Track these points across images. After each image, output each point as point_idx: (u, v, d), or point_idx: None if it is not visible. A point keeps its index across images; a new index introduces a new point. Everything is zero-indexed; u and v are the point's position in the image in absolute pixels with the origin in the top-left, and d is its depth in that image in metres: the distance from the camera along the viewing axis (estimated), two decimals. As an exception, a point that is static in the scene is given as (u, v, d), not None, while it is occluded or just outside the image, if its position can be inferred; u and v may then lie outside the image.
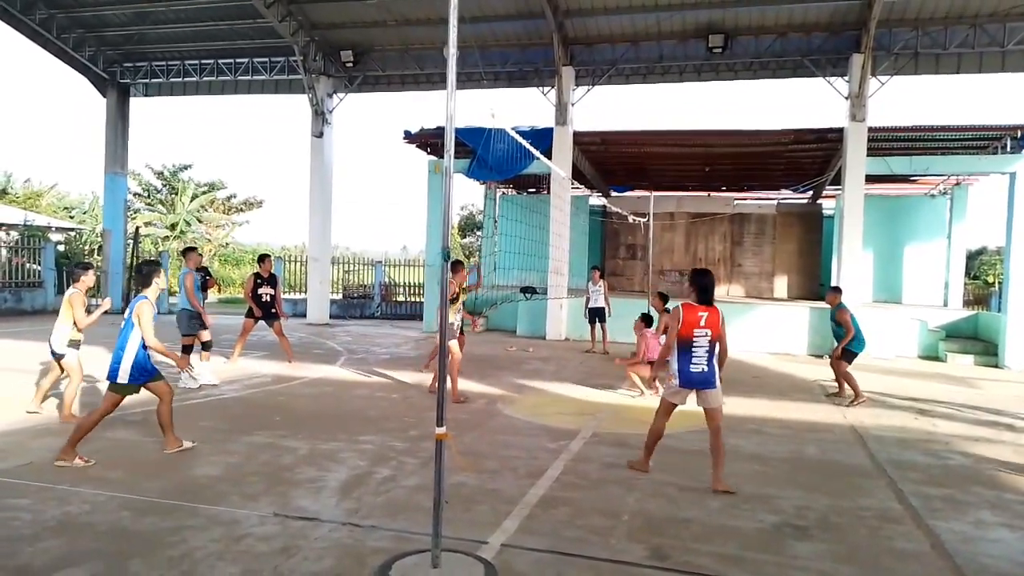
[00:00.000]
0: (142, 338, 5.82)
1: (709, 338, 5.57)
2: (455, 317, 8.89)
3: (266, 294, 10.98)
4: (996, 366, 14.20)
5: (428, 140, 18.03)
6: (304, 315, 19.57)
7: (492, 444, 6.76)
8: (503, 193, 23.92)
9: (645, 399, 9.22)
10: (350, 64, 18.23)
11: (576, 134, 16.70)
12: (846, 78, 15.04)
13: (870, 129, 14.80)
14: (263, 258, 11.42)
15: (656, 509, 5.09)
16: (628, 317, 14.91)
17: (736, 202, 22.15)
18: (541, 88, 17.12)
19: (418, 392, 9.41)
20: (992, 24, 14.42)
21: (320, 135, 18.79)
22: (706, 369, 5.58)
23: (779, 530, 4.76)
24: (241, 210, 40.07)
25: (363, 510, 4.86)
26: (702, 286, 5.70)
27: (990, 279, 33.52)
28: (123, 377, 5.80)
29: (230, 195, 39.61)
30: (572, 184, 16.84)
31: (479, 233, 36.08)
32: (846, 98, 14.94)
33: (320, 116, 18.70)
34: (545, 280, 16.46)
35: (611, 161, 19.58)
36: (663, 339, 8.59)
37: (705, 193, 22.81)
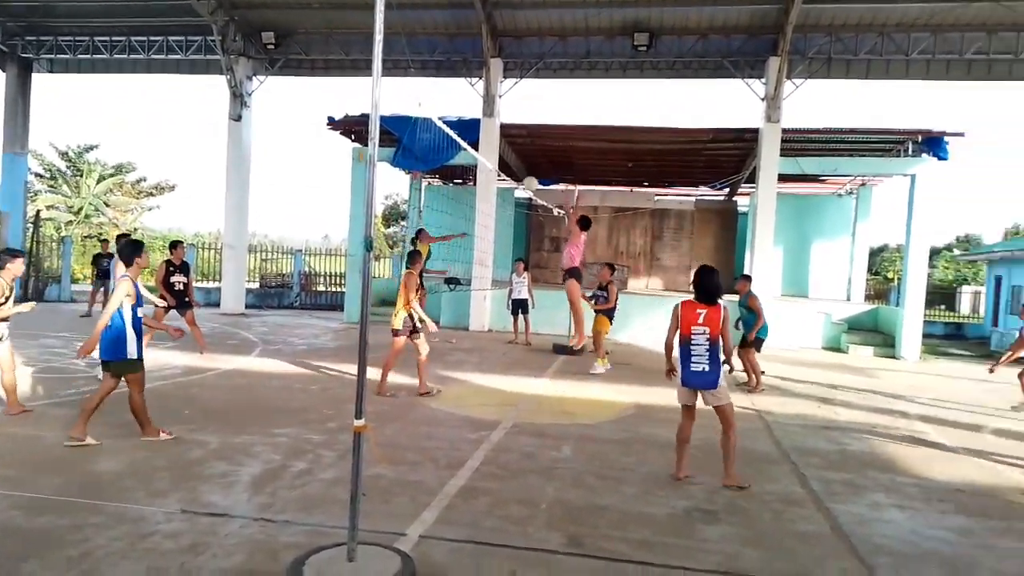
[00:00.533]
0: (133, 311, 5.99)
1: (708, 336, 5.44)
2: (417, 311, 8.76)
3: (179, 282, 10.54)
4: (893, 357, 15.09)
5: (352, 127, 17.69)
6: (218, 304, 18.90)
7: (413, 436, 6.72)
8: (428, 183, 23.73)
9: (571, 389, 9.36)
10: (271, 46, 17.63)
11: (503, 126, 16.71)
12: (763, 80, 15.60)
13: (784, 130, 15.41)
14: (175, 245, 10.96)
15: (574, 498, 5.17)
16: (551, 309, 15.15)
17: (657, 198, 22.69)
18: (469, 79, 17.05)
19: (338, 383, 9.26)
20: (898, 33, 15.22)
21: (238, 118, 18.14)
22: (707, 368, 5.44)
23: (689, 515, 4.93)
24: (151, 194, 38.32)
25: (277, 505, 4.75)
26: (701, 284, 5.57)
27: (890, 275, 35.62)
28: (132, 352, 6.00)
29: (139, 178, 37.83)
30: (498, 176, 16.87)
31: (404, 223, 35.70)
32: (762, 99, 15.49)
33: (238, 99, 18.05)
34: (469, 271, 16.44)
35: (537, 154, 19.70)
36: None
37: (628, 188, 23.25)
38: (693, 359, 5.46)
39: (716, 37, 15.92)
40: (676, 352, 5.65)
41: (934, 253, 37.95)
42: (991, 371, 9.63)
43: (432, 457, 6.01)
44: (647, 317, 16.19)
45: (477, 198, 16.50)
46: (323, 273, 23.93)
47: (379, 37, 3.64)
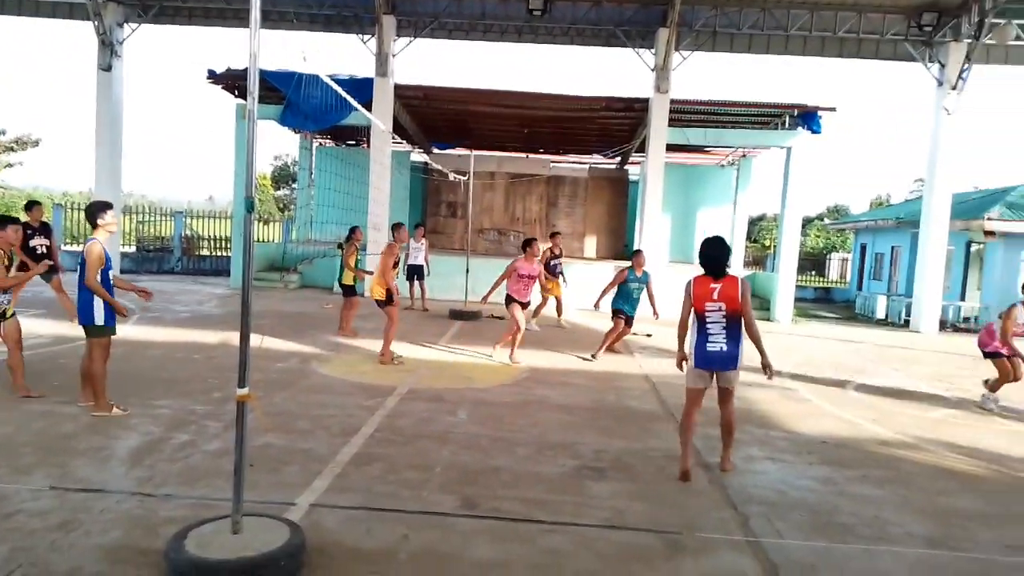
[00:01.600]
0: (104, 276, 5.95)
1: (724, 312, 4.94)
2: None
3: (40, 246, 9.73)
4: (768, 319, 16.07)
5: (235, 82, 16.71)
6: (91, 269, 17.60)
7: (304, 404, 6.56)
8: (320, 144, 22.94)
9: (467, 356, 9.40)
10: (144, -10, 16.35)
11: (398, 87, 16.31)
12: (653, 51, 15.95)
13: (672, 101, 15.87)
14: (31, 206, 10.08)
15: (469, 460, 5.23)
16: (448, 275, 15.11)
17: (552, 165, 22.92)
18: (361, 36, 16.48)
19: (224, 352, 8.88)
20: (779, 10, 15.91)
21: (108, 68, 16.77)
22: (725, 348, 4.97)
23: (579, 473, 5.09)
24: (12, 149, 34.96)
25: (157, 478, 4.54)
26: (707, 256, 5.08)
27: (767, 243, 37.75)
28: (99, 319, 5.92)
29: (-3, 131, 34.41)
30: (393, 138, 16.50)
31: (294, 185, 34.39)
32: (652, 70, 15.86)
33: (108, 47, 16.66)
34: (364, 236, 16.07)
35: (433, 117, 19.39)
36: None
37: (524, 155, 23.35)
38: (710, 338, 4.96)
39: (609, 5, 16.10)
40: (689, 339, 5.19)
41: (807, 222, 40.48)
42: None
43: (324, 425, 5.89)
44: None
45: (371, 160, 16.09)
46: (207, 236, 22.77)
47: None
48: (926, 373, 10.49)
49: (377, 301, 8.92)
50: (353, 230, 11.39)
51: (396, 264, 8.96)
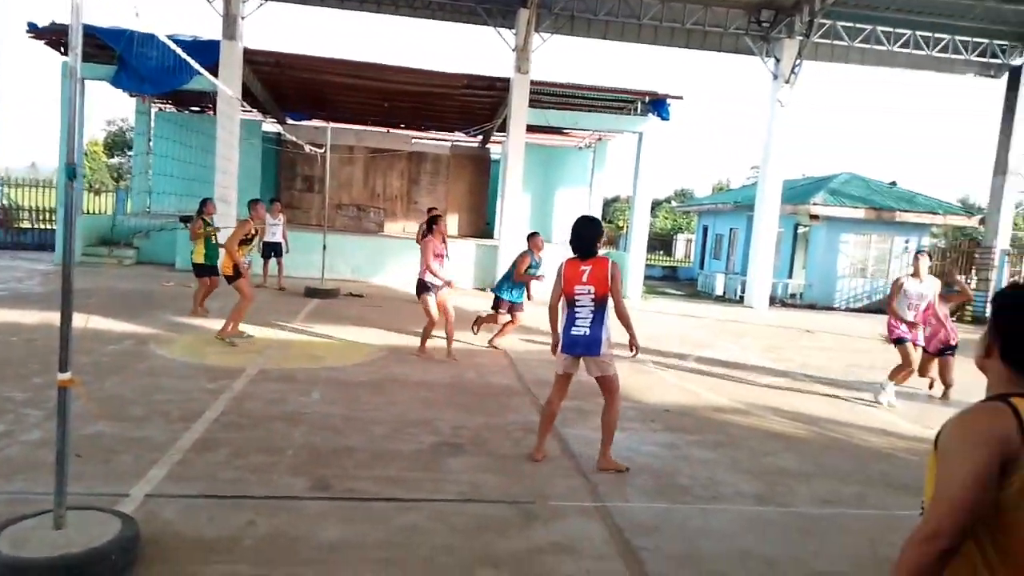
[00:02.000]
0: None
1: (593, 296, 4.76)
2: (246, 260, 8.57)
3: None
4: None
5: (61, 37, 15.07)
6: None
7: (140, 388, 6.10)
8: (160, 109, 21.24)
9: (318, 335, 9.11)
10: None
11: (247, 51, 15.37)
12: (514, 31, 16.05)
13: (532, 82, 16.07)
14: None
15: (321, 441, 5.09)
16: (305, 252, 14.57)
17: (414, 141, 22.60)
18: (205, -6, 15.34)
19: (47, 334, 8.06)
20: (632, -1, 16.52)
21: (-102, 11, 14.59)
22: (588, 332, 4.76)
23: (437, 449, 5.10)
24: None
25: (-36, 474, 4.06)
26: (577, 235, 4.90)
27: (620, 224, 39.42)
28: None
29: None
30: (242, 106, 15.57)
31: (131, 153, 31.72)
32: (513, 50, 15.97)
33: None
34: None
35: (287, 86, 18.46)
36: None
37: (385, 129, 22.83)
38: (576, 322, 4.79)
39: (471, -19, 16.01)
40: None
41: (656, 205, 42.64)
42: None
43: (163, 410, 5.51)
44: (403, 260, 16.25)
45: (218, 128, 15.11)
46: (29, 207, 20.52)
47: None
48: (757, 345, 11.41)
49: (226, 276, 8.51)
50: (204, 203, 10.45)
51: (248, 241, 8.50)
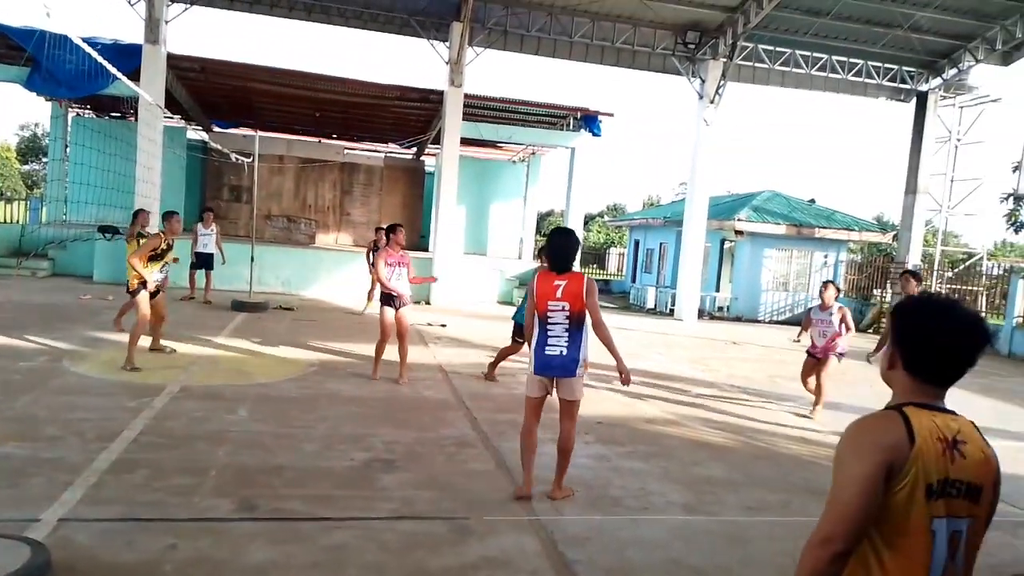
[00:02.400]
0: None
1: (568, 313, 4.47)
2: (158, 275, 7.90)
3: None
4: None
5: (-34, 36, 14.31)
6: None
7: (53, 407, 5.78)
8: (78, 114, 20.35)
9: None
10: None
11: (171, 57, 14.90)
12: (447, 44, 16.09)
13: (466, 95, 16.14)
14: None
15: (248, 460, 4.93)
16: (231, 264, 14.12)
17: (347, 151, 22.33)
18: (128, -2, 14.81)
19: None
20: (564, 16, 16.75)
21: None
22: (565, 352, 4.47)
23: (369, 466, 5.01)
24: None
25: None
26: (555, 247, 4.62)
27: (554, 237, 39.77)
28: None
29: None
30: (166, 113, 15.06)
31: (45, 159, 30.23)
32: (447, 63, 16.00)
33: None
34: (129, 218, 14.52)
35: (213, 92, 18.00)
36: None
37: (316, 139, 22.50)
38: (550, 341, 4.48)
39: (404, -8, 15.97)
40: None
41: (589, 219, 43.36)
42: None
43: (77, 430, 5.24)
44: (335, 273, 16.00)
45: (139, 135, 14.55)
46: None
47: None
48: (686, 356, 11.69)
49: (129, 291, 7.81)
50: (136, 214, 9.67)
51: (158, 256, 7.82)
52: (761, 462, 5.97)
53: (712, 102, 17.33)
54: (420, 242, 21.80)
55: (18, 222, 20.12)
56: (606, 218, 47.58)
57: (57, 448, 4.84)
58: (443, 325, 12.33)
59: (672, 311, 18.69)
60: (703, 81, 17.45)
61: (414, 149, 22.26)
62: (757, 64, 17.89)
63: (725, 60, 16.97)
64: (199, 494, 4.26)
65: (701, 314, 18.69)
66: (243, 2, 15.77)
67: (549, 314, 4.49)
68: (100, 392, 6.44)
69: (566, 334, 4.48)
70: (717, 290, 20.55)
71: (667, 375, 9.76)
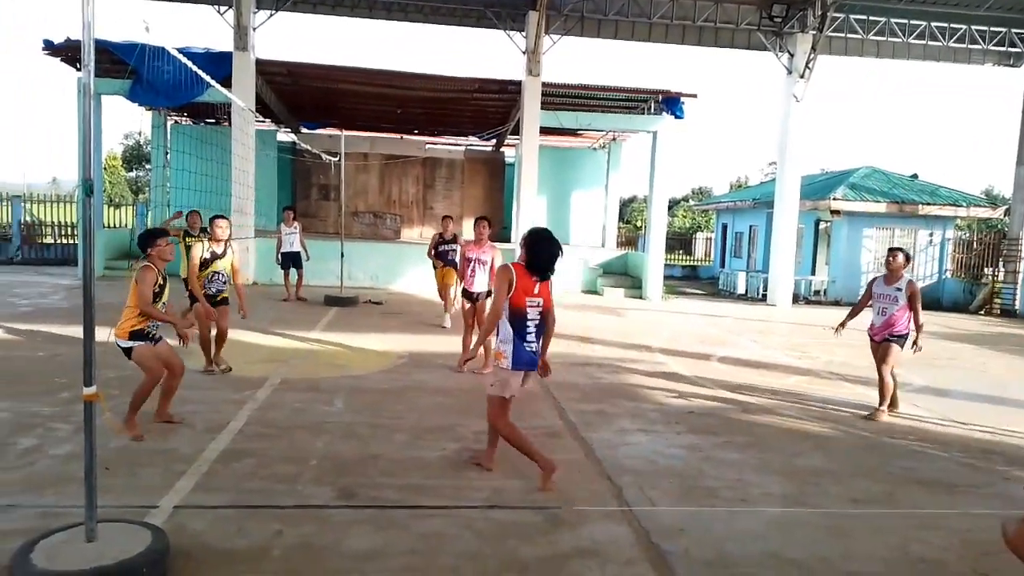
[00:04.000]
0: None
1: (540, 310, 4.51)
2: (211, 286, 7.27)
3: None
4: (640, 297, 16.75)
5: (76, 53, 15.30)
6: (-90, 261, 15.72)
7: (165, 400, 6.14)
8: (176, 122, 21.48)
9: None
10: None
11: (260, 62, 15.50)
12: (524, 34, 16.05)
13: (544, 84, 16.05)
14: None
15: (345, 450, 5.10)
16: (323, 260, 14.63)
17: (428, 146, 22.67)
18: (217, 7, 15.49)
19: (71, 348, 8.16)
20: (642, -3, 16.47)
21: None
22: (535, 349, 4.55)
23: (459, 455, 5.09)
24: None
25: (-5, 489, 4.11)
26: (544, 255, 4.48)
27: (638, 224, 39.28)
28: None
29: None
30: (256, 117, 15.69)
31: (148, 166, 32.08)
32: (524, 53, 15.97)
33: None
34: (203, 220, 15.19)
35: (300, 95, 18.60)
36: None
37: (398, 135, 22.93)
38: (528, 337, 4.48)
39: (480, -16, 16.02)
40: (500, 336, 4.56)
41: (673, 203, 42.51)
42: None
43: (188, 422, 5.55)
44: (421, 266, 16.26)
45: (233, 140, 15.22)
46: (51, 223, 20.82)
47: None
48: (780, 343, 11.30)
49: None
50: (188, 215, 9.72)
51: (206, 264, 7.29)
52: (863, 451, 5.71)
53: (802, 76, 16.60)
54: (502, 233, 21.92)
55: (126, 226, 21.47)
56: (691, 202, 46.48)
57: (170, 439, 5.14)
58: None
59: (765, 296, 18.09)
60: (791, 55, 16.75)
61: (493, 141, 22.35)
62: (849, 35, 17.03)
63: (815, 32, 16.21)
64: (301, 482, 4.44)
65: (796, 299, 18.01)
66: (326, 5, 16.25)
67: (528, 310, 4.46)
68: (208, 386, 6.80)
69: (536, 330, 4.52)
70: (813, 273, 19.76)
71: (761, 363, 9.46)
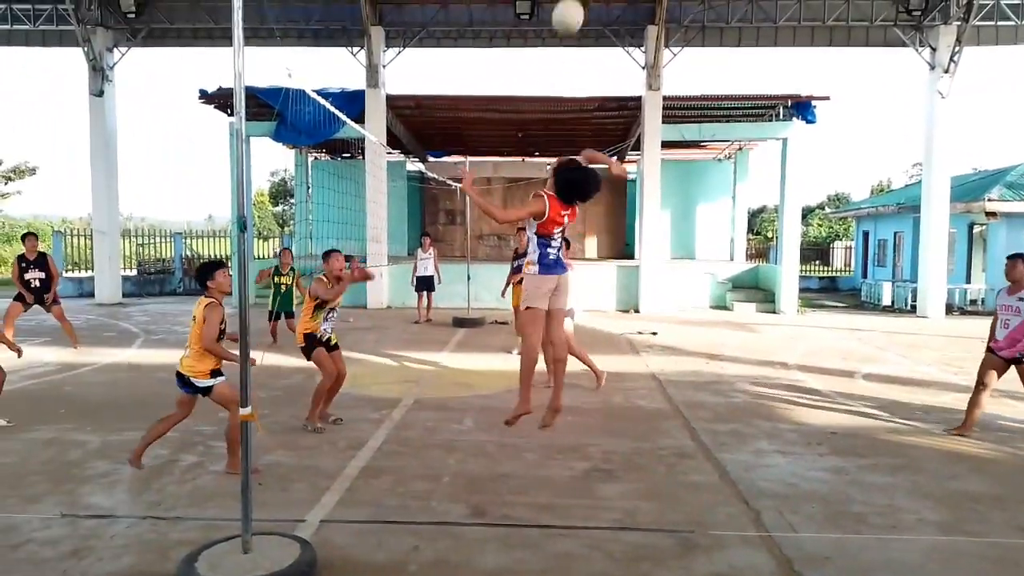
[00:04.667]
0: None
1: (562, 232, 4.64)
2: (325, 324, 6.31)
3: (35, 279, 9.66)
4: (773, 311, 16.03)
5: (227, 100, 16.74)
6: (92, 295, 17.68)
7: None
8: (315, 158, 22.97)
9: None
10: (132, 14, 16.36)
11: (390, 97, 16.34)
12: (643, 48, 15.94)
13: (665, 98, 15.85)
14: (26, 237, 10.02)
15: (476, 468, 5.21)
16: (450, 283, 15.10)
17: (548, 167, 22.85)
18: (350, 48, 16.50)
19: (228, 372, 8.86)
20: (766, 1, 15.91)
21: (100, 93, 16.82)
22: (557, 256, 4.61)
23: (588, 475, 5.07)
24: (10, 179, 35.13)
25: (166, 502, 4.53)
26: (583, 189, 4.56)
27: (769, 234, 37.66)
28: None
29: (-6, 162, 34.53)
30: (387, 149, 16.51)
31: (292, 200, 34.45)
32: (643, 68, 15.85)
33: (99, 72, 16.71)
34: (364, 248, 16.08)
35: (427, 126, 19.42)
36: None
37: (520, 158, 23.35)
38: (550, 254, 4.55)
39: (596, 5, 16.04)
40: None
41: (808, 212, 40.42)
42: None
43: (331, 440, 5.88)
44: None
45: (367, 173, 16.09)
46: (208, 256, 22.81)
47: (238, 3, 3.44)
48: (934, 358, 10.44)
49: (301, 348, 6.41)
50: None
51: (320, 307, 6.27)
52: (1034, 477, 5.16)
53: (946, 71, 15.42)
54: (625, 250, 21.71)
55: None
56: (827, 210, 44.03)
57: (315, 456, 5.47)
58: (654, 333, 12.15)
59: (914, 307, 16.80)
60: (933, 49, 15.61)
61: (614, 158, 22.25)
62: (1001, 22, 15.63)
63: (959, 23, 15.04)
64: (435, 499, 4.58)
65: (950, 310, 16.58)
66: (449, 38, 16.90)
67: (554, 233, 4.54)
68: (347, 405, 7.15)
69: (557, 249, 4.59)
70: (968, 281, 18.13)
71: (912, 380, 8.78)
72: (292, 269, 11.07)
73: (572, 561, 3.74)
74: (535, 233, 4.57)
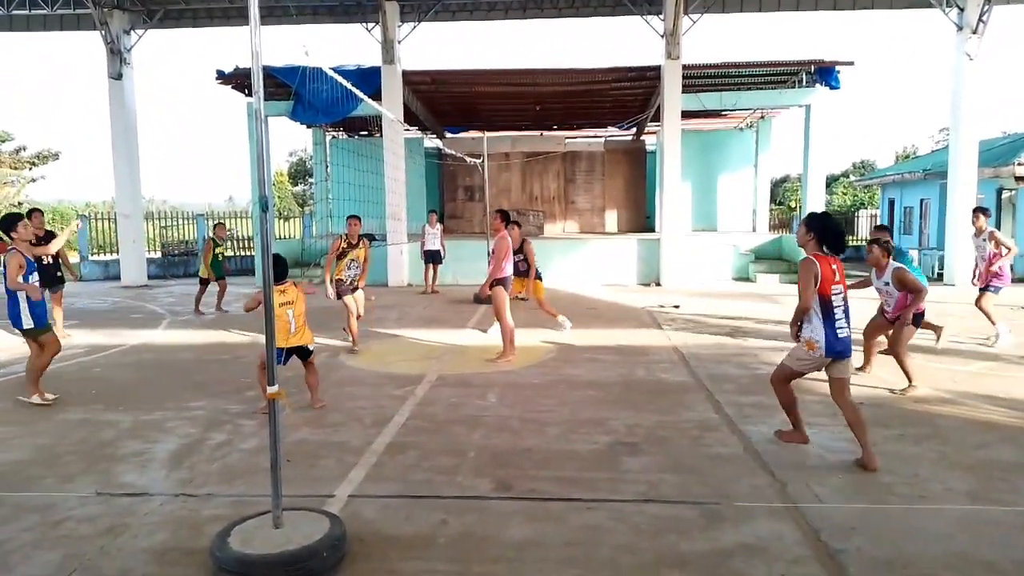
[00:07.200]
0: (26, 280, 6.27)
1: (844, 295, 4.70)
2: (346, 272, 8.74)
3: (44, 256, 9.67)
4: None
5: (245, 81, 16.78)
6: (118, 277, 17.95)
7: (336, 397, 6.62)
8: (333, 137, 22.98)
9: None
10: (148, -4, 16.40)
11: (406, 73, 16.25)
12: (661, 16, 15.66)
13: (684, 66, 15.59)
14: (30, 215, 9.92)
15: (500, 443, 5.25)
16: (471, 260, 15.14)
17: (567, 140, 22.73)
18: (365, 24, 16.39)
19: (254, 351, 8.98)
20: (787, -35, 15.57)
21: (119, 76, 16.91)
22: (849, 333, 4.71)
23: (612, 449, 5.09)
24: (33, 164, 35.57)
25: (197, 479, 4.62)
26: (828, 230, 4.69)
27: (792, 204, 37.13)
28: (28, 323, 6.32)
29: (18, 147, 34.96)
30: (404, 126, 16.46)
31: (311, 180, 34.56)
32: (661, 36, 15.59)
33: (117, 55, 16.79)
34: (383, 226, 16.14)
35: (443, 101, 19.31)
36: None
37: (538, 132, 23.18)
38: (837, 323, 4.62)
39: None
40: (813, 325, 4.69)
41: (832, 180, 39.74)
42: None
43: (357, 417, 5.95)
44: (565, 261, 16.38)
45: (385, 150, 16.07)
46: (230, 237, 23.00)
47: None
48: (961, 327, 10.29)
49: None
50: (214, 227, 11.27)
51: (344, 254, 8.76)
52: (1068, 445, 5.09)
53: (975, 32, 14.99)
54: (646, 223, 21.57)
55: (295, 237, 23.27)
56: (852, 178, 43.28)
57: (342, 432, 5.54)
58: (676, 306, 12.10)
59: (941, 275, 16.55)
60: (961, 9, 15.17)
61: (633, 130, 22.02)
62: (1033, -22, 15.16)
63: (989, -20, 14.59)
64: (461, 473, 4.63)
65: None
66: (464, 11, 16.73)
67: (833, 297, 4.63)
68: (371, 382, 7.25)
69: (845, 315, 4.69)
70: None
71: (939, 349, 8.67)
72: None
73: (597, 533, 3.77)
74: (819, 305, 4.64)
